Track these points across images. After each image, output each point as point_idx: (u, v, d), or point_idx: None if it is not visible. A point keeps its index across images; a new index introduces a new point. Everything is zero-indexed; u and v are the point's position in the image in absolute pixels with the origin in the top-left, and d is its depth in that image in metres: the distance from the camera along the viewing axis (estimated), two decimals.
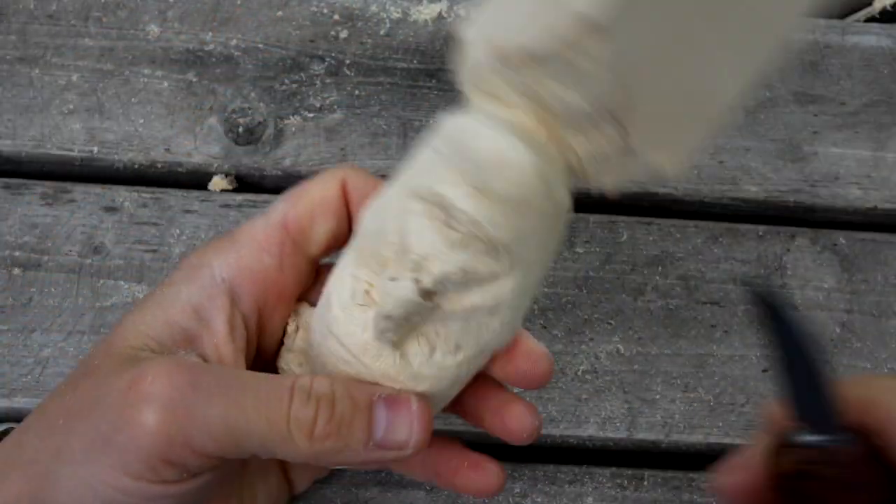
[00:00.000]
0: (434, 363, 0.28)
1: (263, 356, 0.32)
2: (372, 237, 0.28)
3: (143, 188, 0.48)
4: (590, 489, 0.43)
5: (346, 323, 0.28)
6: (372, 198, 0.29)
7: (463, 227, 0.26)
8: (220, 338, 0.29)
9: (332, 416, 0.26)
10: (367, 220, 0.29)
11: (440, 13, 0.53)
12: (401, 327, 0.27)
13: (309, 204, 0.31)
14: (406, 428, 0.27)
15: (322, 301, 0.30)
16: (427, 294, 0.27)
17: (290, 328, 0.32)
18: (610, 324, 0.46)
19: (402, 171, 0.28)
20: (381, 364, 0.28)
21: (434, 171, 0.26)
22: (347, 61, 0.51)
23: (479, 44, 0.26)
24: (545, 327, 0.46)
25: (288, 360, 0.32)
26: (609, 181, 0.28)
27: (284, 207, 0.31)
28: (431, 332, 0.28)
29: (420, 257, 0.26)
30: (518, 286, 0.28)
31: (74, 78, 0.50)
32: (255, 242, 0.30)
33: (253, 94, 0.49)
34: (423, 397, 0.28)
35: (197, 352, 0.28)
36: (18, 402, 0.42)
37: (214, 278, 0.29)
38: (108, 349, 0.28)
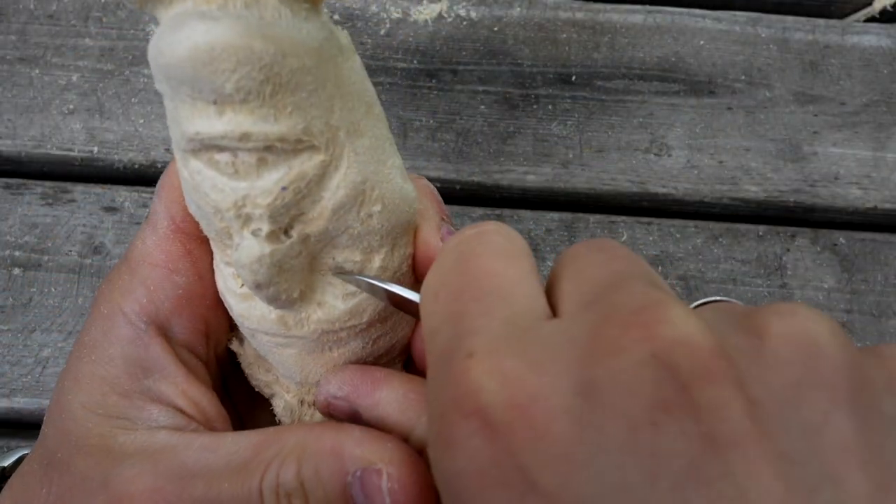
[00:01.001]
0: (352, 290, 0.26)
1: (220, 356, 0.30)
2: (201, 219, 0.25)
3: (143, 188, 0.48)
4: None
5: (251, 313, 0.26)
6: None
7: (244, 148, 0.22)
8: (181, 384, 0.27)
9: None
10: (188, 205, 0.26)
11: (440, 13, 0.53)
12: (287, 282, 0.24)
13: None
14: (382, 500, 0.24)
15: (224, 302, 0.28)
16: (279, 234, 0.23)
17: (234, 346, 0.30)
18: None
19: None
20: (312, 325, 0.26)
21: (175, 115, 0.22)
22: None
23: None
24: None
25: (253, 374, 0.31)
26: None
27: (167, 209, 0.27)
28: (329, 261, 0.25)
29: (236, 208, 0.23)
30: (356, 153, 0.23)
31: (74, 78, 0.50)
32: (158, 269, 0.27)
33: None
34: (400, 450, 0.25)
35: (169, 406, 0.26)
36: (18, 402, 0.42)
37: (135, 326, 0.27)
38: (66, 437, 0.26)
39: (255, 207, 0.23)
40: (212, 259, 0.28)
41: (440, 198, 0.29)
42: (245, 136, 0.21)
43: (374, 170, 0.24)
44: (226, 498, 0.24)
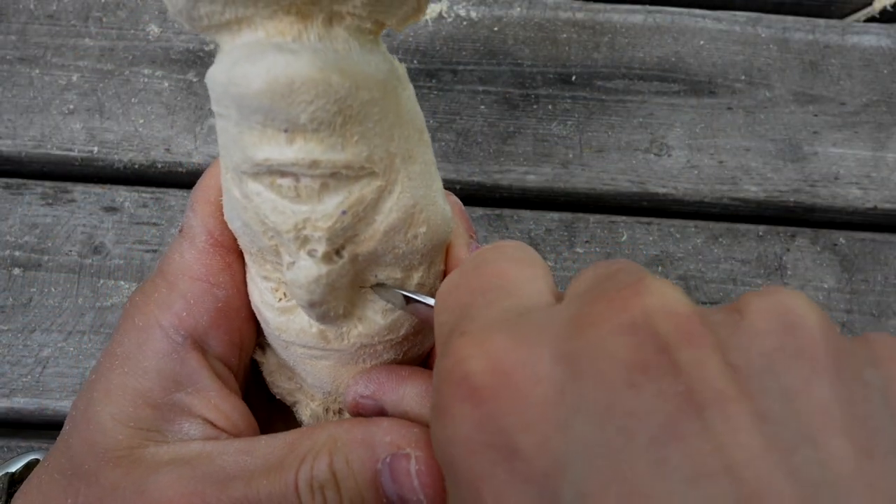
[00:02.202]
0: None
1: (246, 365, 0.30)
2: (244, 235, 0.26)
3: (143, 188, 0.48)
4: None
5: (290, 326, 0.27)
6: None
7: (310, 174, 0.22)
8: (215, 397, 0.27)
9: (341, 503, 0.25)
10: (227, 219, 0.26)
11: (440, 13, 0.53)
12: (336, 300, 0.25)
13: (219, 204, 0.28)
14: (410, 483, 0.25)
15: (257, 316, 0.28)
16: (332, 256, 0.24)
17: (257, 356, 0.30)
18: None
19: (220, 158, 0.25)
20: (350, 340, 0.26)
21: (239, 140, 0.23)
22: None
23: None
24: None
25: (275, 382, 0.30)
26: (394, 21, 0.23)
27: (203, 222, 0.28)
28: (371, 279, 0.26)
29: (296, 231, 0.23)
30: (409, 178, 0.24)
31: (74, 78, 0.50)
32: (198, 283, 0.27)
33: None
34: (426, 434, 0.25)
35: (200, 418, 0.27)
36: (18, 402, 0.42)
37: (171, 339, 0.27)
38: (93, 448, 0.26)
39: (314, 230, 0.23)
40: (245, 273, 0.28)
41: (467, 214, 0.31)
42: (314, 164, 0.22)
43: (423, 194, 0.25)
44: (264, 495, 0.24)
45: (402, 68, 0.25)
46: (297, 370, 0.29)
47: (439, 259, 0.27)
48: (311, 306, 0.25)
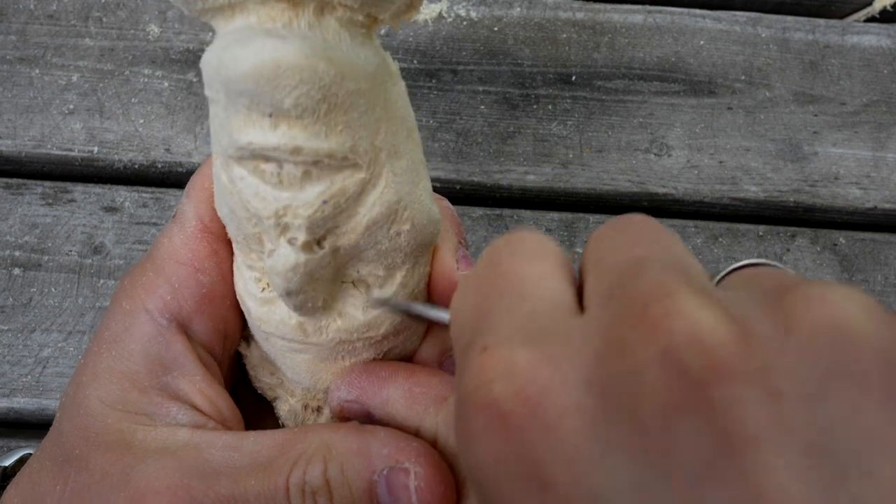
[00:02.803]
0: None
1: (231, 357, 0.30)
2: (231, 223, 0.26)
3: (143, 188, 0.48)
4: None
5: (270, 317, 0.27)
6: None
7: (292, 161, 0.22)
8: (199, 382, 0.27)
9: None
10: (217, 208, 0.26)
11: (440, 13, 0.53)
12: (315, 291, 0.25)
13: (212, 192, 0.27)
14: (408, 499, 0.25)
15: (241, 306, 0.28)
16: (312, 246, 0.24)
17: (241, 348, 0.30)
18: None
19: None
20: (330, 334, 0.26)
21: (226, 123, 0.23)
22: None
23: None
24: None
25: (258, 375, 0.30)
26: (387, 17, 0.24)
27: (195, 209, 0.28)
28: (353, 274, 0.26)
29: (276, 217, 0.23)
30: (394, 174, 0.24)
31: (74, 78, 0.50)
32: (183, 267, 0.27)
33: None
34: (426, 449, 0.25)
35: (187, 403, 0.27)
36: (18, 402, 0.42)
37: (157, 322, 0.27)
38: (84, 433, 0.26)
39: (294, 218, 0.23)
40: (233, 262, 0.28)
41: (459, 220, 0.30)
42: (296, 150, 0.22)
43: (408, 191, 0.25)
44: (252, 495, 0.24)
45: (394, 65, 0.25)
46: (278, 364, 0.29)
47: (424, 260, 0.27)
48: (288, 294, 0.25)
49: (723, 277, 0.21)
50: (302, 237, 0.24)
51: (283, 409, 0.30)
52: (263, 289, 0.27)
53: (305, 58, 0.21)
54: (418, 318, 0.27)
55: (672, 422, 0.15)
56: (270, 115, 0.22)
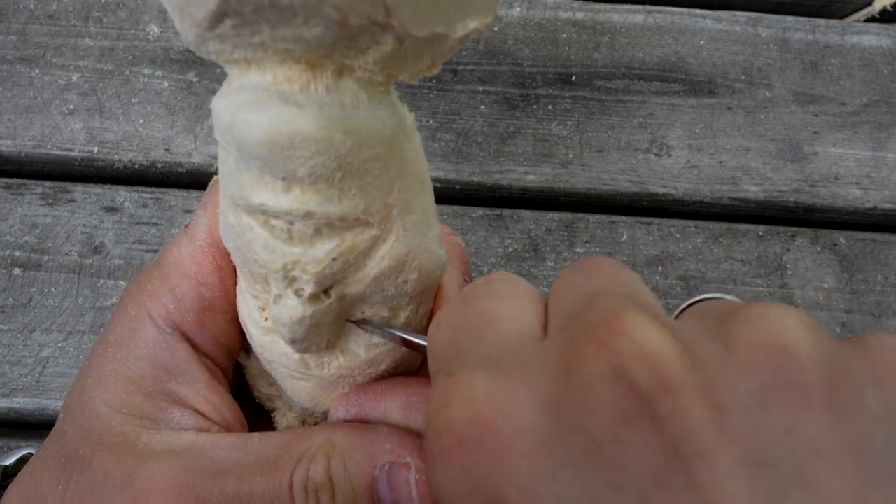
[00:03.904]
0: (380, 340, 0.26)
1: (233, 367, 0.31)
2: (238, 257, 0.25)
3: (143, 188, 0.48)
4: None
5: (273, 347, 0.27)
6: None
7: (302, 223, 0.22)
8: (204, 388, 0.27)
9: None
10: (225, 241, 0.26)
11: None
12: (319, 335, 0.25)
13: None
14: (409, 493, 0.25)
15: (245, 328, 0.28)
16: (319, 296, 0.24)
17: (241, 358, 0.30)
18: None
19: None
20: (330, 370, 0.27)
21: (237, 176, 0.22)
22: None
23: (176, 16, 0.21)
24: None
25: (257, 386, 0.31)
26: (406, 74, 0.23)
27: (208, 223, 0.28)
28: (358, 315, 0.26)
29: (284, 270, 0.23)
30: (404, 228, 0.24)
31: (74, 78, 0.50)
32: (187, 280, 0.27)
33: None
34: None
35: (191, 409, 0.27)
36: (18, 402, 0.42)
37: (160, 330, 0.27)
38: (88, 435, 0.26)
39: (303, 273, 0.23)
40: (237, 282, 0.28)
41: (466, 257, 0.30)
42: (308, 215, 0.22)
43: (417, 242, 0.25)
44: (257, 493, 0.24)
45: (410, 118, 0.24)
46: (281, 384, 0.29)
47: (428, 299, 0.27)
48: (293, 343, 0.25)
49: (680, 313, 0.22)
50: (309, 290, 0.23)
51: (281, 421, 0.30)
52: (266, 318, 0.27)
53: (321, 129, 0.21)
54: (404, 344, 0.27)
55: (622, 435, 0.16)
56: (283, 179, 0.21)
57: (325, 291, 0.24)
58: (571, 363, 0.17)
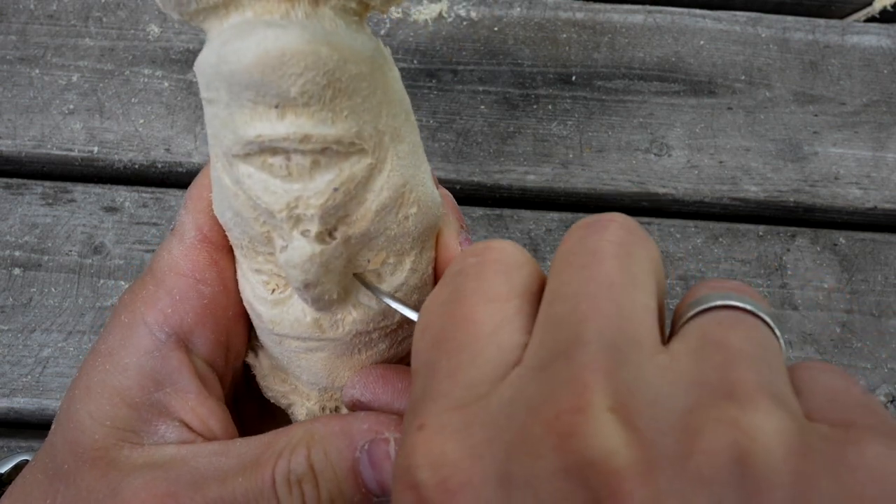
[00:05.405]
0: (390, 288, 0.26)
1: (236, 370, 0.30)
2: (235, 226, 0.26)
3: (143, 188, 0.48)
4: None
5: (283, 318, 0.27)
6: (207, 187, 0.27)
7: (301, 149, 0.23)
8: (193, 399, 0.26)
9: (318, 497, 0.25)
10: (217, 213, 0.26)
11: (440, 13, 0.53)
12: (331, 282, 0.25)
13: (210, 201, 0.27)
14: (389, 466, 0.25)
15: (250, 313, 0.28)
16: (325, 235, 0.24)
17: (250, 359, 0.30)
18: None
19: (209, 150, 0.25)
20: (347, 327, 0.27)
21: (229, 121, 0.23)
22: None
23: None
24: None
25: (269, 385, 0.30)
26: (378, 2, 0.24)
27: (194, 219, 0.27)
28: (364, 263, 0.26)
29: (288, 210, 0.23)
30: (398, 157, 0.25)
31: (74, 78, 0.50)
32: (184, 279, 0.27)
33: None
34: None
35: (176, 420, 0.26)
36: (18, 402, 0.42)
37: (155, 336, 0.26)
38: (73, 448, 0.26)
39: (307, 208, 0.23)
40: (235, 271, 0.28)
41: (457, 205, 0.30)
42: (306, 138, 0.22)
43: (412, 174, 0.25)
44: (240, 494, 0.24)
45: (387, 51, 0.25)
46: (291, 369, 0.29)
47: (430, 244, 0.28)
48: (306, 287, 0.25)
49: (685, 322, 0.20)
50: (315, 228, 0.24)
51: (300, 413, 0.30)
52: (273, 290, 0.27)
53: (308, 44, 0.21)
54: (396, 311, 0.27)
55: None
56: (277, 106, 0.22)
57: (330, 233, 0.24)
58: (531, 446, 0.17)
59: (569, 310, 0.19)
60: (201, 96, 0.24)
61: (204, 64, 0.23)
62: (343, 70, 0.22)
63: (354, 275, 0.26)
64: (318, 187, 0.23)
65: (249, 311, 0.28)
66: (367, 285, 0.26)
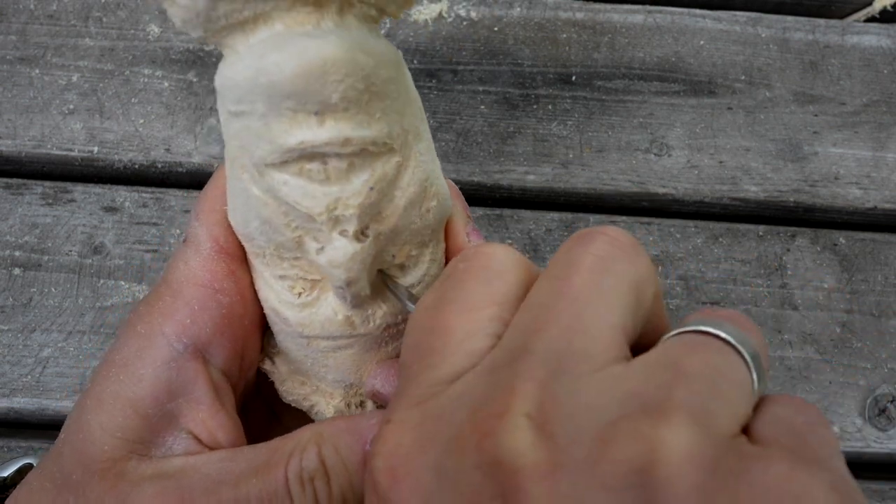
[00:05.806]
0: (413, 282, 0.27)
1: (248, 378, 0.30)
2: (261, 235, 0.26)
3: (143, 188, 0.48)
4: None
5: (313, 320, 0.27)
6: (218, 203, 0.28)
7: (340, 153, 0.23)
8: (204, 411, 0.27)
9: (330, 493, 0.25)
10: (238, 225, 0.27)
11: (440, 13, 0.53)
12: (365, 279, 0.26)
13: (223, 212, 0.28)
14: None
15: (272, 320, 0.28)
16: (359, 234, 0.25)
17: (266, 366, 0.30)
18: None
19: (228, 163, 0.26)
20: (376, 321, 0.27)
21: (265, 132, 0.23)
22: None
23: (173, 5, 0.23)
24: None
25: (289, 390, 0.31)
26: (393, 8, 0.25)
27: (209, 231, 0.28)
28: (388, 259, 0.27)
29: (328, 212, 0.24)
30: (420, 153, 0.26)
31: (74, 78, 0.50)
32: (202, 289, 0.27)
33: None
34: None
35: (185, 431, 0.27)
36: (18, 402, 0.42)
37: (173, 348, 0.26)
38: (82, 458, 0.26)
39: (346, 209, 0.24)
40: (251, 281, 0.28)
41: (461, 194, 0.31)
42: (346, 142, 0.23)
43: (431, 168, 0.27)
44: (254, 495, 0.25)
45: (399, 52, 0.26)
46: (315, 370, 0.29)
47: (442, 235, 0.29)
48: (349, 285, 0.26)
49: (669, 336, 0.21)
50: (352, 227, 0.25)
51: (327, 411, 0.30)
52: (300, 294, 0.27)
53: (346, 52, 0.22)
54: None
55: None
56: (316, 113, 0.23)
57: (363, 232, 0.25)
58: (461, 442, 0.19)
59: (530, 319, 0.21)
60: (228, 110, 0.24)
61: (236, 78, 0.23)
62: (377, 74, 0.23)
63: (379, 271, 0.27)
64: (355, 188, 0.24)
65: (273, 318, 0.28)
66: (386, 284, 0.28)
